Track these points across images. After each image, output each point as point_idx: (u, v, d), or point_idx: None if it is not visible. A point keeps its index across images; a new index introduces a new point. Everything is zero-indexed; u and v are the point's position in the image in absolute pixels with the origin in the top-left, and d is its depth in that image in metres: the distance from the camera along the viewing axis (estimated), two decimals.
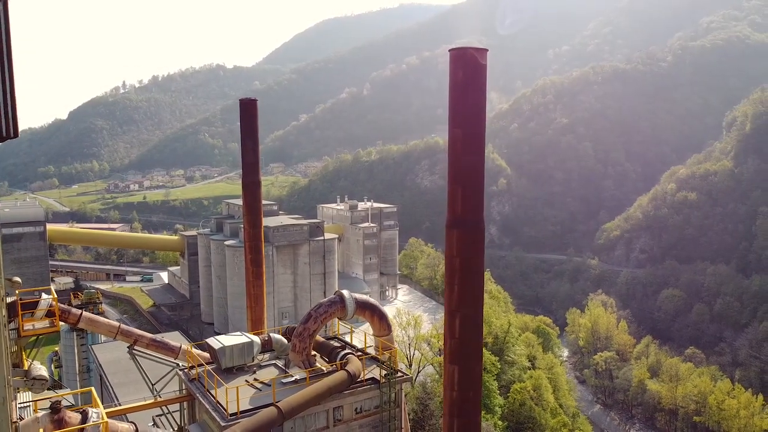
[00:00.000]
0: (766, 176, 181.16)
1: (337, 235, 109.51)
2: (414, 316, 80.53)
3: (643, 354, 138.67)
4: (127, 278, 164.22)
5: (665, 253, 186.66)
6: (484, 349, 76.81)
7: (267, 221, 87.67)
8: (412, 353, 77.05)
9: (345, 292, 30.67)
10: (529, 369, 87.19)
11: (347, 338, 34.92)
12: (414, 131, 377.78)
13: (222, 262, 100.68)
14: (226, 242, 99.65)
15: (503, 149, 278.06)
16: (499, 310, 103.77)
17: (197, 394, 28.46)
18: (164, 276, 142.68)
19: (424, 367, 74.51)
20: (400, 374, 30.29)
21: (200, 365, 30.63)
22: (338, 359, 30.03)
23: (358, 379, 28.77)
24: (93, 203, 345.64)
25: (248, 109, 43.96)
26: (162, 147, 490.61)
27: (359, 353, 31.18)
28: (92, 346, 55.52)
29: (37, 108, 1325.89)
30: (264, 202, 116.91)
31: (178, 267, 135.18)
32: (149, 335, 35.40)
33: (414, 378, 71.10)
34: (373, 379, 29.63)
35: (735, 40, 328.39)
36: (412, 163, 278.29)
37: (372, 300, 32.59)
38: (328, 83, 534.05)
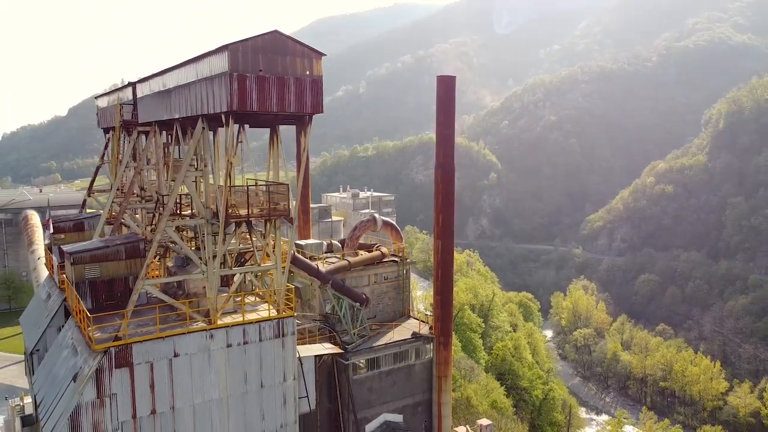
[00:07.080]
0: (736, 170, 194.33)
1: (343, 218, 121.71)
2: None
3: (619, 331, 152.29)
4: None
5: (644, 241, 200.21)
6: (471, 313, 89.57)
7: None
8: None
9: (375, 214, 45.85)
10: (511, 332, 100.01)
11: None
12: (409, 128, 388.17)
13: None
14: None
15: (494, 145, 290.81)
16: (485, 285, 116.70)
17: (295, 266, 43.22)
18: None
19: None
20: (408, 259, 47.70)
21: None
22: (374, 248, 47.94)
23: (386, 258, 47.38)
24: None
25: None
26: None
27: None
28: None
29: (34, 105, 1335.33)
30: None
31: None
32: None
33: None
34: (393, 260, 48.08)
35: (717, 41, 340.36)
36: (407, 159, 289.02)
37: (391, 220, 49.68)
38: (325, 81, 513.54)
